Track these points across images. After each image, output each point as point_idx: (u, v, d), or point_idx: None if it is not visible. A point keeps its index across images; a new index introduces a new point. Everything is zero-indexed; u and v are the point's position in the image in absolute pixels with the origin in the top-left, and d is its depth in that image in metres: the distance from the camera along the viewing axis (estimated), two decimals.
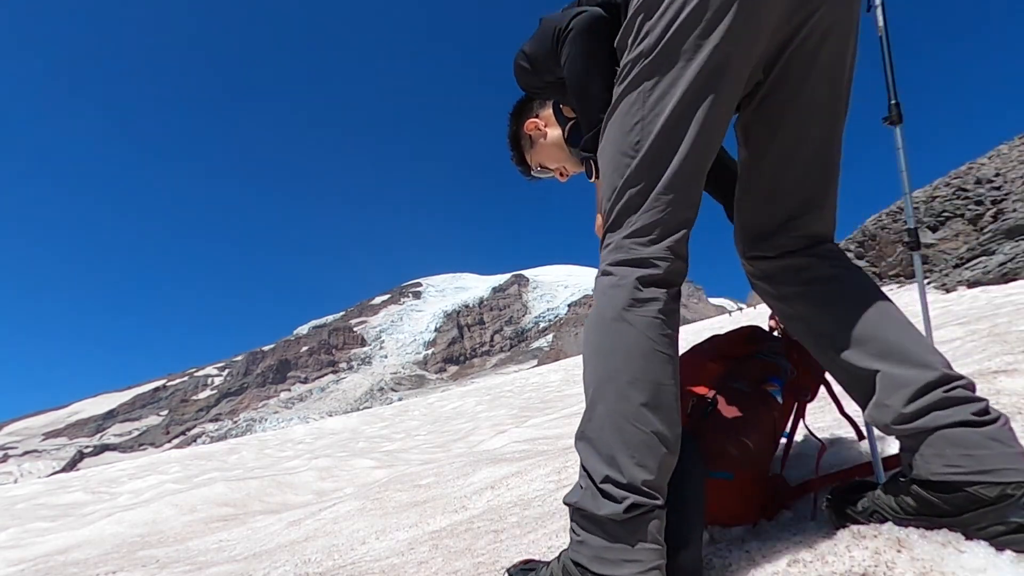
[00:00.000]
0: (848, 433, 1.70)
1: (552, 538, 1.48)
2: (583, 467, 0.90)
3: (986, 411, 0.85)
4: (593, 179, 1.04)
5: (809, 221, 1.02)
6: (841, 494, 1.01)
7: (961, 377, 0.87)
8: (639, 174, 0.91)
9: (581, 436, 0.92)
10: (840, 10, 0.92)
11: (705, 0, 0.85)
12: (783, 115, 0.98)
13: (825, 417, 2.10)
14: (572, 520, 0.91)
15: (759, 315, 21.69)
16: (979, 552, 0.79)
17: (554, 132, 1.35)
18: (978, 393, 0.88)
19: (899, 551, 0.84)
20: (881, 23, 1.32)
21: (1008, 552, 0.78)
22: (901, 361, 0.89)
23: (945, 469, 0.83)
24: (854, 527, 0.95)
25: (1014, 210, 13.37)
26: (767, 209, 1.04)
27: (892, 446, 1.43)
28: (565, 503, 0.92)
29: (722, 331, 1.41)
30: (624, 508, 0.83)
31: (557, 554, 0.97)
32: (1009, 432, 0.84)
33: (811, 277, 1.00)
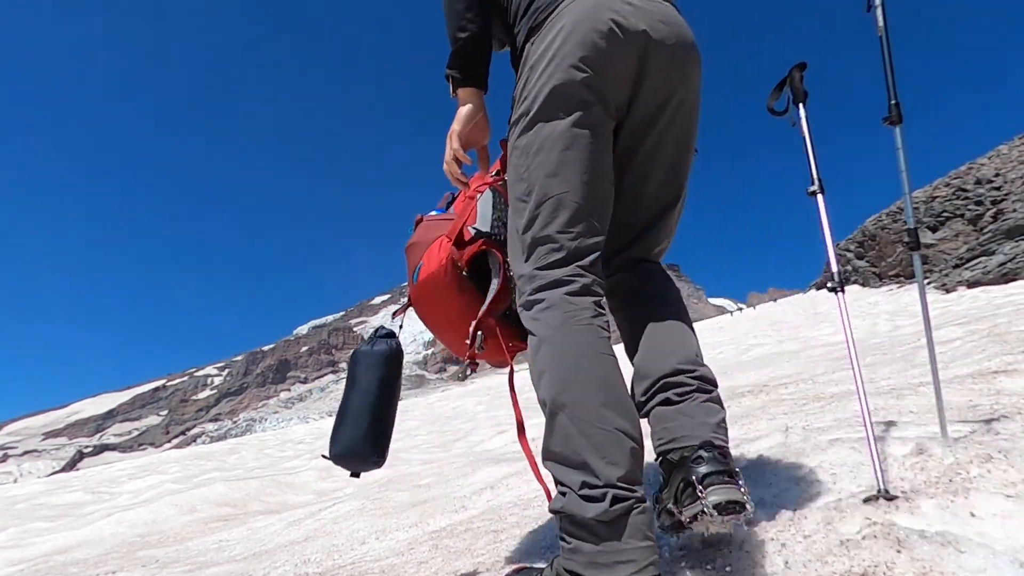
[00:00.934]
0: (848, 434, 1.70)
1: (552, 538, 1.48)
2: (559, 482, 0.92)
3: (689, 393, 0.96)
4: (452, 95, 1.15)
5: (641, 246, 1.19)
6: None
7: (693, 368, 0.99)
8: (534, 216, 1.03)
9: (547, 454, 0.94)
10: (684, 85, 1.10)
11: (571, 72, 1.00)
12: (632, 160, 1.14)
13: (824, 417, 2.10)
14: (560, 527, 0.91)
15: (759, 315, 21.69)
16: (979, 552, 0.79)
17: None
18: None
19: (899, 551, 0.84)
20: (881, 23, 1.32)
21: (1008, 553, 0.78)
22: (652, 358, 1.04)
23: (657, 443, 0.98)
24: (855, 528, 0.95)
25: (1014, 210, 13.36)
26: (618, 233, 1.18)
27: (893, 447, 1.43)
28: (551, 511, 0.92)
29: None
30: (609, 504, 0.84)
31: (550, 560, 0.97)
32: (698, 407, 0.95)
33: (622, 292, 1.18)
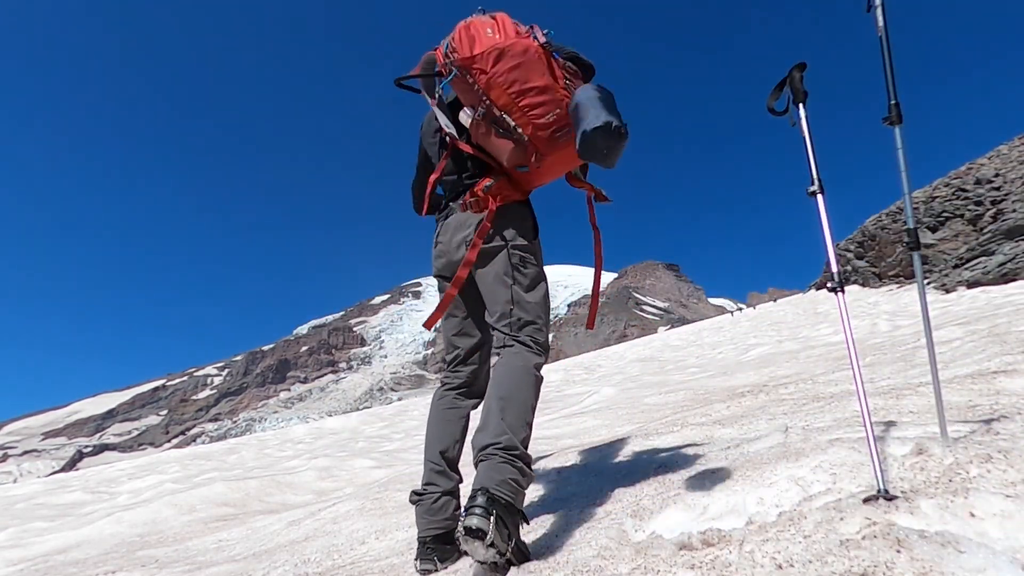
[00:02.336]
0: (848, 434, 1.70)
1: (552, 538, 1.48)
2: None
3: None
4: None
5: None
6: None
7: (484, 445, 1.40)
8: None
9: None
10: (482, 273, 1.64)
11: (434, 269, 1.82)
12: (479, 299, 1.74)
13: (824, 417, 2.10)
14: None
15: (759, 315, 21.73)
16: (978, 552, 0.79)
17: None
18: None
19: (899, 551, 0.84)
20: (881, 23, 1.32)
21: (1007, 553, 0.78)
22: (478, 431, 1.48)
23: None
24: (855, 528, 0.95)
25: (1014, 210, 13.35)
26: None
27: (892, 447, 1.43)
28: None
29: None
30: (408, 499, 1.64)
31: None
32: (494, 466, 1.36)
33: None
